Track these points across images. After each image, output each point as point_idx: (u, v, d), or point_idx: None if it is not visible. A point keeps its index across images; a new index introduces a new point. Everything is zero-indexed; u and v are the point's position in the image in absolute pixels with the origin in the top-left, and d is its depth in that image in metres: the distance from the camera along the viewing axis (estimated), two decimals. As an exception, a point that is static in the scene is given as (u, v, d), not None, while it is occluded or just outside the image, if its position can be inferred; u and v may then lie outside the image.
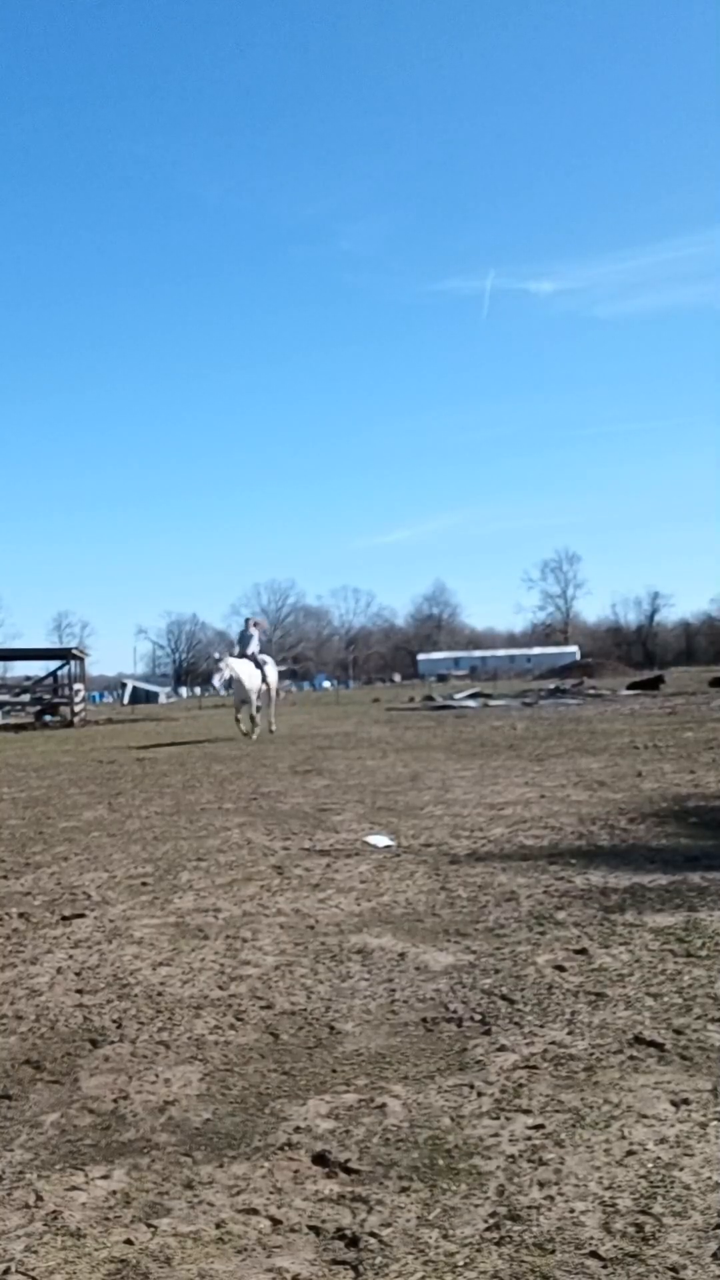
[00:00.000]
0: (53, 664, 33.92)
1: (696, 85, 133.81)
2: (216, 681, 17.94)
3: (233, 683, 17.66)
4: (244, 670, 17.70)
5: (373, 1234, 2.18)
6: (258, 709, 18.30)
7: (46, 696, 32.33)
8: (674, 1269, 2.00)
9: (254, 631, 19.05)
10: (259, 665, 18.25)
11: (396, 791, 9.44)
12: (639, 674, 54.57)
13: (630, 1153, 2.46)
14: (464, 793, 9.10)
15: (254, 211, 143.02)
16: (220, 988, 3.91)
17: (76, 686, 31.91)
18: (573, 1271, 2.01)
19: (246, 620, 19.93)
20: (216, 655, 18.77)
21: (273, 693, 18.90)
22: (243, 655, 18.25)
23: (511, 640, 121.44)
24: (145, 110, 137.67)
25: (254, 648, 18.60)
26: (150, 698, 71.87)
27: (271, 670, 18.78)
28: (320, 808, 8.62)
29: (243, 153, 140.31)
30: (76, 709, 30.95)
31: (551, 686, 42.20)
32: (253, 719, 18.04)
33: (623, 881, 5.29)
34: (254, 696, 17.86)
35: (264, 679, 18.27)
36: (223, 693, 18.84)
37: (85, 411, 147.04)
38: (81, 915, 5.21)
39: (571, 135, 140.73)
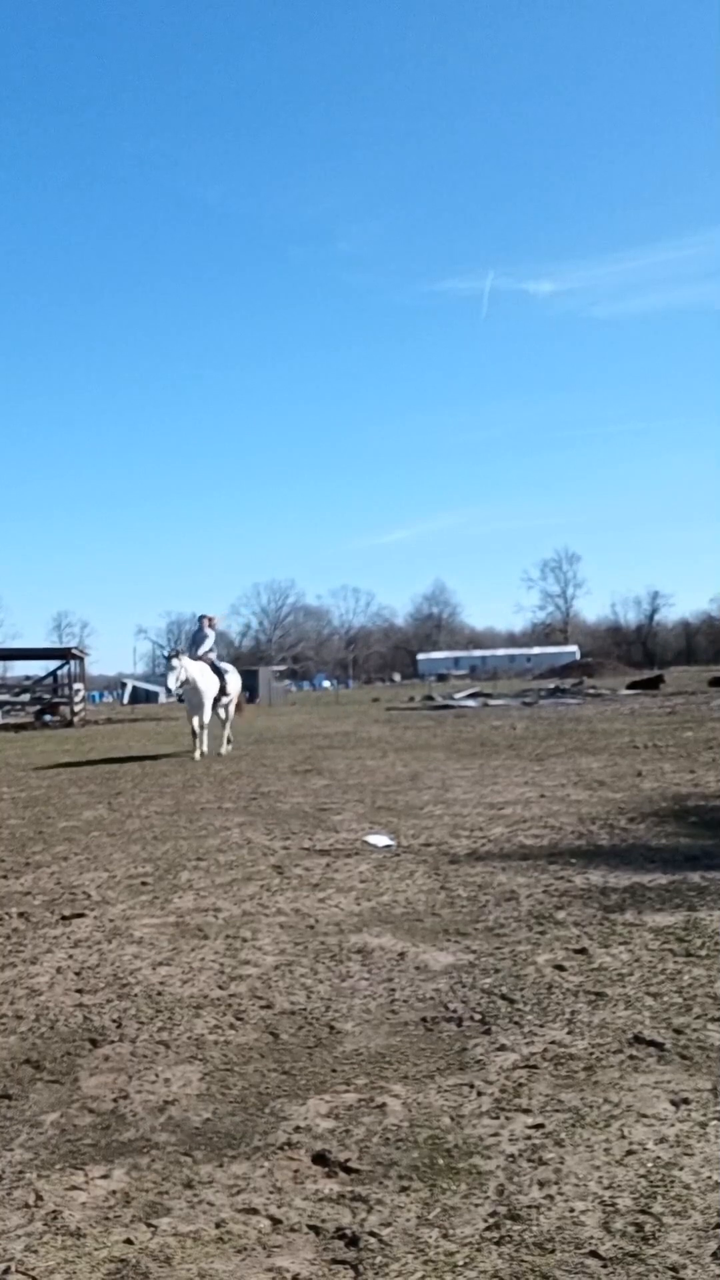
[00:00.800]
0: (53, 664, 33.93)
1: (696, 86, 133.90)
2: (171, 683, 15.17)
3: (186, 687, 14.99)
4: (200, 673, 15.10)
5: (373, 1233, 2.18)
6: (222, 720, 15.78)
7: (46, 696, 32.35)
8: (674, 1269, 2.00)
9: (209, 631, 16.20)
10: (219, 672, 15.76)
11: (396, 791, 9.44)
12: (639, 673, 54.59)
13: (630, 1152, 2.46)
14: (464, 792, 9.10)
15: (254, 212, 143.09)
16: (220, 987, 3.91)
17: (76, 686, 31.93)
18: (573, 1271, 2.01)
19: (201, 619, 16.63)
20: (168, 652, 15.61)
21: (232, 706, 16.24)
22: (196, 658, 15.60)
23: (511, 640, 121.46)
24: (145, 111, 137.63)
25: (208, 649, 15.89)
26: (150, 697, 71.77)
27: (233, 679, 16.26)
28: (320, 807, 8.62)
29: (243, 153, 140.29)
30: (76, 708, 30.98)
31: (551, 686, 42.22)
32: (203, 728, 15.13)
33: (623, 881, 5.29)
34: (209, 705, 15.17)
35: (223, 688, 15.71)
36: (175, 693, 15.87)
37: (85, 411, 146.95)
38: (81, 915, 5.21)
39: (571, 136, 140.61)
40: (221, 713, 15.93)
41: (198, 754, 14.78)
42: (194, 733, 15.12)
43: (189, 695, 15.13)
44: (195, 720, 15.13)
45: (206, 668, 15.39)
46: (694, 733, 14.46)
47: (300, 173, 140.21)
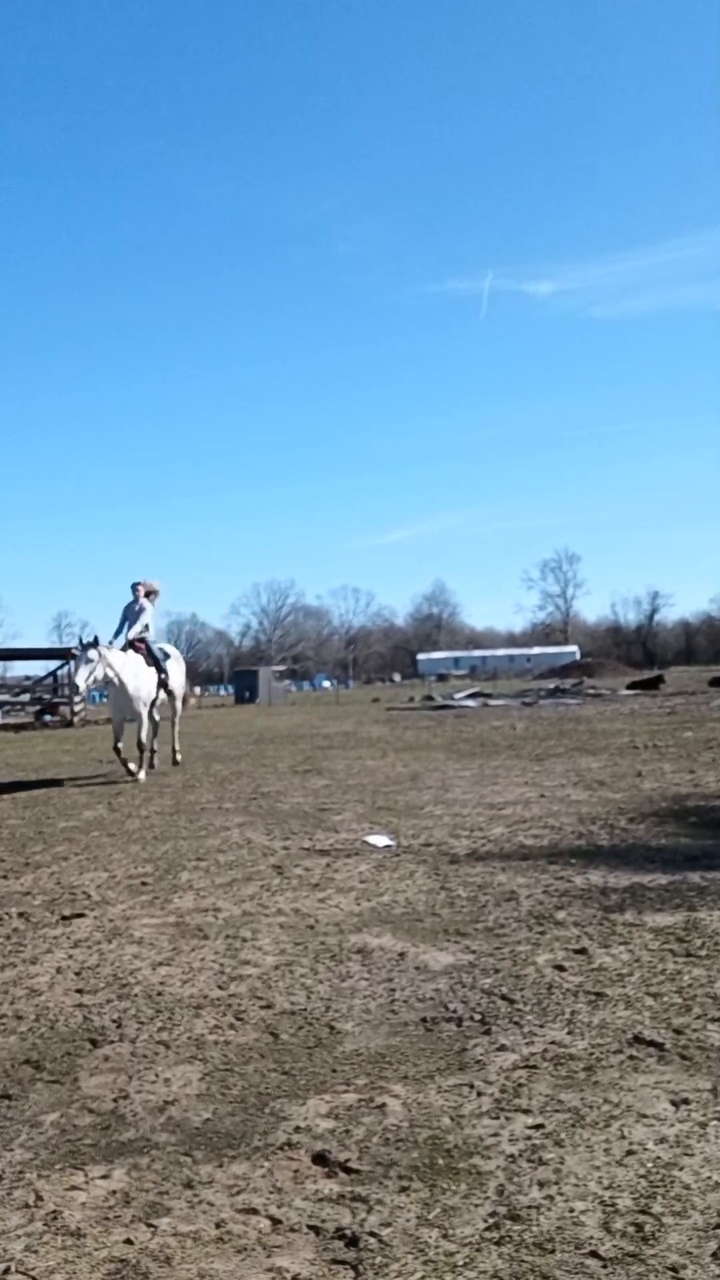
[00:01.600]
0: (52, 664, 33.88)
1: (696, 85, 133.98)
2: (82, 681, 11.10)
3: (109, 687, 11.34)
4: (128, 667, 11.32)
5: (373, 1234, 2.18)
6: (155, 728, 12.30)
7: (46, 696, 32.33)
8: (674, 1269, 2.00)
9: (145, 603, 12.21)
10: (156, 661, 12.00)
11: (396, 791, 9.44)
12: (639, 674, 54.58)
13: (630, 1152, 2.46)
14: (464, 792, 9.10)
15: (253, 213, 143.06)
16: (220, 987, 3.91)
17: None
18: (573, 1271, 2.01)
19: (135, 587, 12.25)
20: (84, 640, 11.17)
21: (178, 702, 12.73)
22: (128, 644, 11.75)
23: (511, 640, 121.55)
24: (145, 110, 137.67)
25: (144, 628, 12.06)
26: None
27: (176, 667, 12.61)
28: (320, 807, 8.62)
29: (242, 153, 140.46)
30: (76, 708, 30.95)
31: (551, 686, 42.20)
32: (142, 745, 11.70)
33: (623, 881, 5.29)
34: (145, 710, 11.50)
35: (161, 681, 12.03)
36: (89, 693, 11.42)
37: (84, 411, 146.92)
38: (81, 915, 5.21)
39: (570, 136, 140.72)
40: (159, 714, 12.47)
41: (143, 774, 11.42)
42: (117, 748, 11.50)
43: (116, 698, 11.45)
44: (126, 730, 11.57)
45: (139, 660, 11.67)
46: (694, 733, 14.46)
47: (300, 173, 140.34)
